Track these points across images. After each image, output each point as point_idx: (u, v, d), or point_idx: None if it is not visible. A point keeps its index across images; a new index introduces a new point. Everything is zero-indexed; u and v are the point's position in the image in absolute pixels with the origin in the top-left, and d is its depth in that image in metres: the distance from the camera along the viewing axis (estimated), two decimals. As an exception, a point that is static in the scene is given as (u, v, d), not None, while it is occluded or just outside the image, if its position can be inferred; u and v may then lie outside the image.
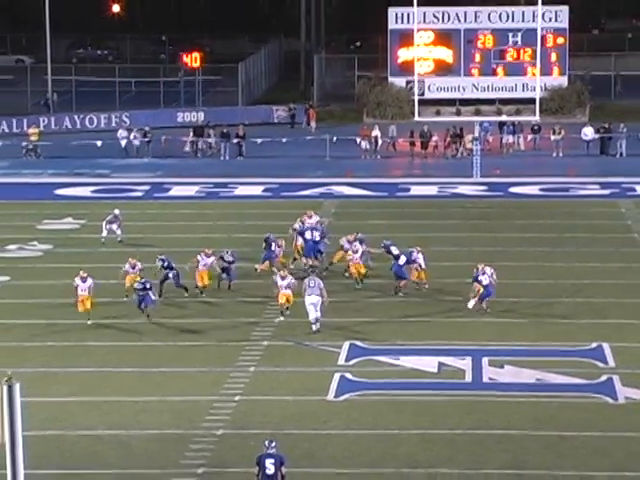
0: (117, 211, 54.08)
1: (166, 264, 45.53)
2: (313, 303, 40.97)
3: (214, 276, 46.03)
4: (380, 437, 32.34)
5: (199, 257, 45.45)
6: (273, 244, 48.39)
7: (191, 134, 77.73)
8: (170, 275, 45.52)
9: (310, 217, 51.21)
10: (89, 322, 41.88)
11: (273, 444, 26.95)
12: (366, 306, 43.81)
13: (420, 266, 45.69)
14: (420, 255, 46.02)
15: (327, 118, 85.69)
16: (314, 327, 40.84)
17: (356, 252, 46.68)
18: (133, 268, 44.88)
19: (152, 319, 42.19)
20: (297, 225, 50.83)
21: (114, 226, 53.32)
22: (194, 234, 53.87)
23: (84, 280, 42.03)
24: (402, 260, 45.48)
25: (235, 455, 30.88)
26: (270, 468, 26.58)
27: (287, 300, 42.01)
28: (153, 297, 42.75)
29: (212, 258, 45.73)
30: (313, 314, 40.88)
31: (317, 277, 42.78)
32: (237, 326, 41.83)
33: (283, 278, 41.98)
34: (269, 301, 43.66)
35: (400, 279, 45.47)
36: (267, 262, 48.22)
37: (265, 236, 48.60)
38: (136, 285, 42.96)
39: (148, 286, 42.50)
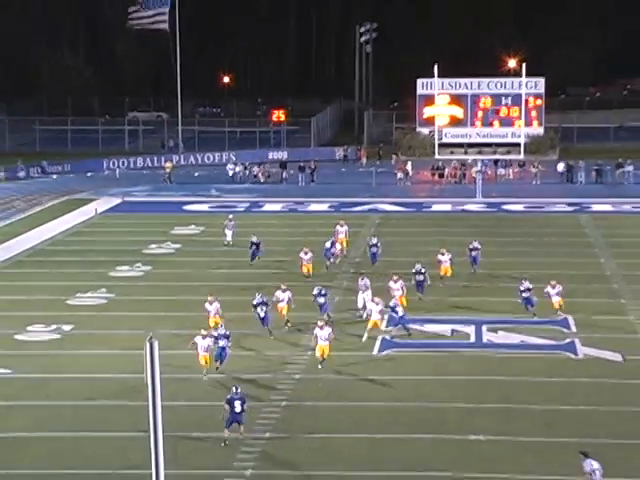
0: (231, 216, 53.94)
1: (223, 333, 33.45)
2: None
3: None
4: (409, 380, 32.47)
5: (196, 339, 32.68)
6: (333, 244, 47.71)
7: (260, 166, 77.84)
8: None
9: (342, 225, 50.44)
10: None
11: (239, 389, 27.47)
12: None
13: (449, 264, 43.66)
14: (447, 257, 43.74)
15: (373, 156, 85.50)
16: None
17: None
18: (211, 304, 36.30)
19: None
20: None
21: (229, 231, 52.06)
22: (281, 237, 53.85)
23: (211, 303, 36.40)
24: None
25: (310, 392, 31.01)
26: (238, 407, 27.04)
27: (323, 354, 32.78)
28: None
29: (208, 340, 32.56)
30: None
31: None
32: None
33: (322, 328, 32.95)
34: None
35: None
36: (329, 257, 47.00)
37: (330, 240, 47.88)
38: (218, 331, 33.21)
39: (228, 333, 33.04)
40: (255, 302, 36.48)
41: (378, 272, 44.25)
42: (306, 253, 44.97)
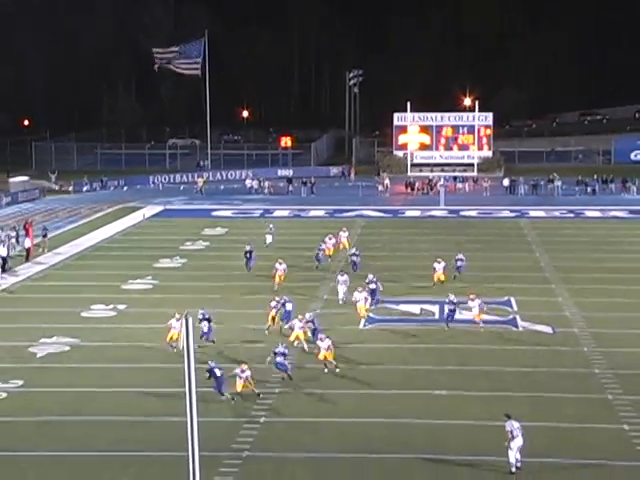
0: (271, 225, 52.33)
1: (205, 316, 31.93)
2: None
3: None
4: (387, 348, 32.45)
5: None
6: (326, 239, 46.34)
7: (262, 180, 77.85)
8: (205, 329, 31.56)
9: (344, 231, 49.13)
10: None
11: (214, 362, 27.20)
12: (379, 281, 43.63)
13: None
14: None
15: (360, 173, 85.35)
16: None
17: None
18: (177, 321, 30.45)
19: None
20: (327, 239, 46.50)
21: (269, 236, 50.47)
22: (288, 236, 53.71)
23: (178, 320, 30.51)
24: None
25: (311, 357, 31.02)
26: (218, 373, 26.71)
27: (325, 357, 29.54)
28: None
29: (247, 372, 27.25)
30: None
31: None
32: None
33: (322, 340, 29.73)
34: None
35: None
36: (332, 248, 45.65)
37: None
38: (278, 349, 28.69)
39: (286, 352, 28.73)
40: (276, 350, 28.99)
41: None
42: (280, 263, 40.18)
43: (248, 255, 43.32)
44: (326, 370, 29.43)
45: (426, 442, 23.99)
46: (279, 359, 28.29)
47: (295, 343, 31.27)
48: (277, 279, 39.77)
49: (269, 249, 48.63)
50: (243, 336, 33.11)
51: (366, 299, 35.62)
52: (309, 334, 31.71)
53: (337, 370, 29.40)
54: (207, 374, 26.50)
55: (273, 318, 33.51)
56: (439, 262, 40.78)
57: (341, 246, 47.79)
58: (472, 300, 34.46)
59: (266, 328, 33.35)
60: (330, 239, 46.73)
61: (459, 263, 42.01)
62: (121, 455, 23.31)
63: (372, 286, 37.26)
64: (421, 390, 27.87)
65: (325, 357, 29.62)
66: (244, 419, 25.39)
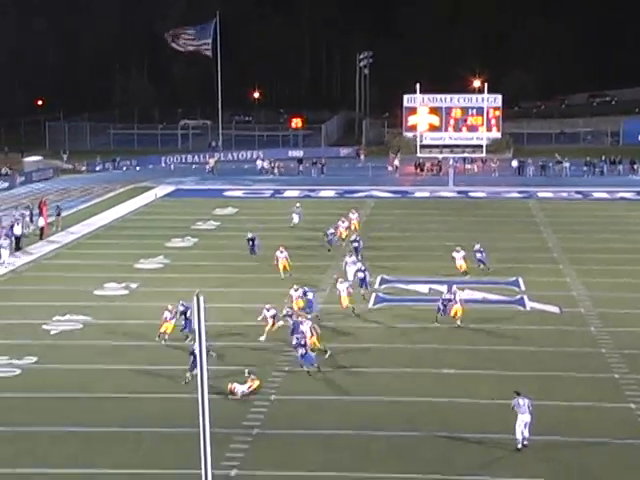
0: (298, 204, 51.95)
1: (183, 309, 30.13)
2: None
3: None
4: (396, 327, 32.43)
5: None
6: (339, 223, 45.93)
7: (269, 160, 77.78)
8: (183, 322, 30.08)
9: (353, 213, 48.30)
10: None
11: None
12: (389, 262, 43.66)
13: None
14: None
15: (370, 154, 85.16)
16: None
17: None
18: (268, 310, 30.22)
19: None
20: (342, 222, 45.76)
21: (295, 215, 50.06)
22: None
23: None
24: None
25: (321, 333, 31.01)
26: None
27: (314, 344, 28.31)
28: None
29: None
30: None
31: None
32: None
33: (302, 324, 28.71)
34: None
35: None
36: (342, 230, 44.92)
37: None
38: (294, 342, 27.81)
39: (303, 342, 27.51)
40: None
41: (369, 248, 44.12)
42: (282, 252, 38.68)
43: (251, 243, 42.24)
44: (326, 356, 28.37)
45: (434, 420, 23.99)
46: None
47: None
48: (282, 267, 38.43)
49: (295, 229, 49.06)
50: (251, 316, 33.04)
51: (348, 290, 33.36)
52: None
53: (327, 355, 28.22)
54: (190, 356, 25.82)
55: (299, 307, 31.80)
56: (458, 251, 39.01)
57: (352, 227, 47.49)
58: (453, 293, 32.52)
59: (288, 315, 30.72)
60: (343, 222, 46.18)
61: (478, 255, 39.58)
62: (133, 431, 23.38)
63: (361, 275, 35.61)
64: (429, 369, 27.86)
65: (314, 344, 28.26)
66: (254, 397, 25.40)
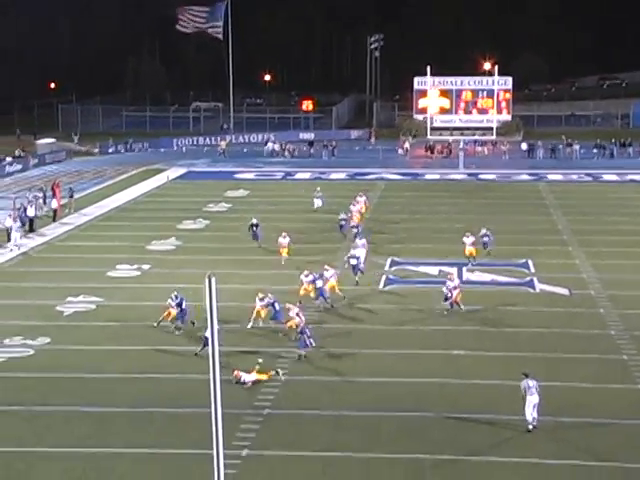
0: (318, 188, 51.31)
1: (178, 301, 29.64)
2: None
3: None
4: (406, 308, 32.40)
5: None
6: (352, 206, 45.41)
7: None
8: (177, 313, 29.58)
9: (361, 196, 47.44)
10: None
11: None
12: (399, 244, 43.59)
13: None
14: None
15: (380, 137, 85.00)
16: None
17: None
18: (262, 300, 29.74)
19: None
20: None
21: (317, 200, 49.26)
22: (310, 199, 53.50)
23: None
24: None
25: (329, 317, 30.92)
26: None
27: (290, 326, 28.39)
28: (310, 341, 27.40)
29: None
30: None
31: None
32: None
33: (290, 310, 28.34)
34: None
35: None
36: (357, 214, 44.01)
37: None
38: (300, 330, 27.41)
39: (308, 333, 27.29)
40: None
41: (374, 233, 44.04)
42: (285, 237, 38.05)
43: (254, 228, 41.19)
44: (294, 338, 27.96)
45: (443, 401, 23.99)
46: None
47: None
48: (283, 253, 37.74)
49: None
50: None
51: (334, 277, 32.58)
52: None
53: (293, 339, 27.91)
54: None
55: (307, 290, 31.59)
56: (468, 236, 38.10)
57: (362, 210, 47.06)
58: (451, 280, 31.90)
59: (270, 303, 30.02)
60: (354, 205, 45.55)
61: (485, 239, 39.13)
62: (145, 411, 23.45)
63: (353, 262, 34.95)
64: (439, 350, 27.84)
65: (290, 326, 28.22)
66: (274, 370, 25.46)
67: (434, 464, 20.55)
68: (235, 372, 25.00)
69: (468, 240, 38.07)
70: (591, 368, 26.37)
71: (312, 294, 31.66)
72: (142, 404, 23.83)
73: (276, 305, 29.52)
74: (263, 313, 29.84)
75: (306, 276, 31.98)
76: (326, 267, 33.02)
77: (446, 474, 20.16)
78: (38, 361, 27.15)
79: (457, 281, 32.14)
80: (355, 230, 41.12)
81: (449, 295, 31.47)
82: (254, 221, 41.57)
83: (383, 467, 20.43)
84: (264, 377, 25.07)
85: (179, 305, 29.61)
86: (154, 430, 22.39)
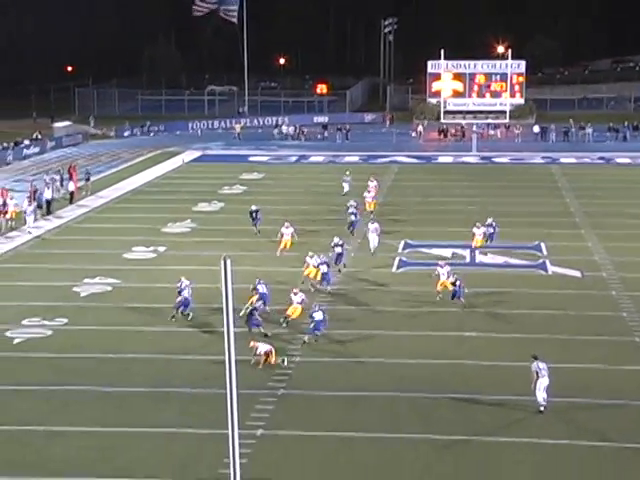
0: (348, 172, 50.79)
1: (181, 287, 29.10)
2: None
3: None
4: (419, 290, 32.36)
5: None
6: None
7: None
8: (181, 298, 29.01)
9: (372, 181, 46.83)
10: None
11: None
12: (412, 227, 43.53)
13: None
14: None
15: (394, 120, 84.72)
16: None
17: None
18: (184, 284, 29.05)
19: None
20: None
21: (346, 184, 48.62)
22: (324, 182, 53.69)
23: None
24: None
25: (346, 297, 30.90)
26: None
27: (292, 313, 28.27)
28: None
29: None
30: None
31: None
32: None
33: (295, 294, 28.36)
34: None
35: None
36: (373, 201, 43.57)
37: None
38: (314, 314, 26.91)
39: (320, 318, 26.83)
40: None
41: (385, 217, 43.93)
42: (287, 227, 36.54)
43: (254, 215, 39.98)
44: (284, 324, 28.01)
45: (456, 381, 24.03)
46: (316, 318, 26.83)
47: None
48: (282, 245, 36.21)
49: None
50: (276, 278, 33.08)
51: (314, 264, 31.81)
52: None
53: (284, 325, 27.94)
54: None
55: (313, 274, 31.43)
56: (478, 227, 37.46)
57: (374, 195, 46.21)
58: (442, 267, 31.29)
59: (302, 282, 31.09)
60: (369, 192, 44.81)
61: (490, 229, 37.94)
62: (162, 391, 23.56)
63: (338, 250, 34.03)
64: (451, 332, 27.86)
65: (292, 313, 28.04)
66: (280, 358, 25.54)
67: (446, 444, 20.60)
68: (252, 343, 25.09)
69: (478, 231, 37.47)
70: (602, 350, 26.35)
71: (317, 278, 31.52)
72: (159, 384, 23.95)
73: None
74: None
75: (311, 257, 31.96)
76: (310, 253, 32.51)
77: (458, 453, 20.21)
78: (56, 341, 27.30)
79: (448, 268, 31.18)
80: (353, 218, 39.68)
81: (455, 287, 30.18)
82: (253, 207, 40.48)
83: (396, 446, 20.48)
84: (274, 357, 25.14)
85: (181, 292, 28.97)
86: (171, 410, 22.49)
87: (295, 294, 28.38)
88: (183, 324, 28.60)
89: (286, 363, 25.18)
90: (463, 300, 30.17)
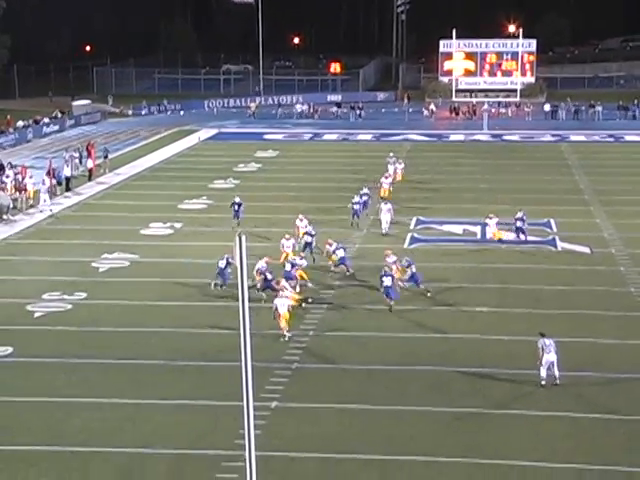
0: (392, 154, 48.28)
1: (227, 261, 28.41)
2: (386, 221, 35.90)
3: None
4: (430, 266, 32.21)
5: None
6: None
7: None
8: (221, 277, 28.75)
9: (392, 165, 45.49)
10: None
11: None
12: (424, 204, 43.36)
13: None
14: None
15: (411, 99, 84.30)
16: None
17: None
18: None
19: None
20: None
21: (391, 166, 45.59)
22: (337, 159, 53.55)
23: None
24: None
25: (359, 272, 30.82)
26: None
27: (301, 276, 28.94)
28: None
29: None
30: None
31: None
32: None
33: (301, 258, 29.40)
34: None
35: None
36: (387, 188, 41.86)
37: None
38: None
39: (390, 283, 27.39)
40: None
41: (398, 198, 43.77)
42: (302, 220, 33.95)
43: (236, 207, 37.28)
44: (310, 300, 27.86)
45: (467, 356, 23.96)
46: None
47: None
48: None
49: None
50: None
51: (293, 246, 31.49)
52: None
53: (309, 285, 28.90)
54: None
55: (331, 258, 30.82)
56: (491, 218, 35.48)
57: (397, 177, 45.22)
58: (389, 257, 29.62)
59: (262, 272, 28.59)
60: (386, 178, 42.79)
61: (519, 223, 35.39)
62: (178, 364, 23.59)
63: (308, 239, 32.25)
64: (462, 307, 27.78)
65: (300, 276, 28.59)
66: (294, 332, 25.49)
67: (458, 416, 20.57)
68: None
69: (492, 222, 35.51)
70: (611, 325, 26.23)
71: (333, 260, 31.07)
72: (175, 357, 23.98)
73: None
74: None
75: (301, 220, 33.24)
76: (287, 236, 31.80)
77: (469, 426, 20.17)
78: (75, 315, 27.35)
79: (394, 258, 29.48)
80: (357, 207, 37.58)
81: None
82: (237, 199, 37.81)
83: (409, 419, 20.46)
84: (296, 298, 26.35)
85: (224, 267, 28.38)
86: (187, 382, 22.53)
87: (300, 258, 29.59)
88: (201, 298, 28.61)
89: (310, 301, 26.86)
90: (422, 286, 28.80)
